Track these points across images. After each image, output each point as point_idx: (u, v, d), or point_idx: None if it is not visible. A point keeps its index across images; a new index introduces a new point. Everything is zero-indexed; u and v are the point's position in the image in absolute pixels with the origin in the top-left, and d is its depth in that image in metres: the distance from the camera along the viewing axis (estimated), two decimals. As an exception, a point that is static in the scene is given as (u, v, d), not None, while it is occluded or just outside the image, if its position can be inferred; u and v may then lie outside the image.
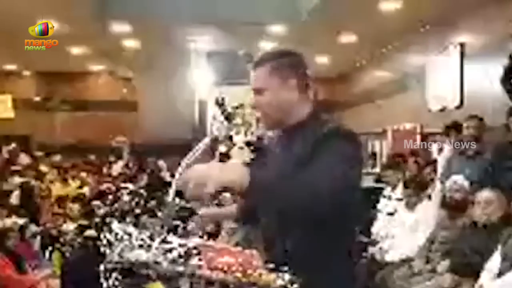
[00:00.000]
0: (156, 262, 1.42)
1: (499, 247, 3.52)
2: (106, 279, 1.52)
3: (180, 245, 1.47)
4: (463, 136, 4.90)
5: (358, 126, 12.16)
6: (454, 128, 5.29)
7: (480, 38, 7.59)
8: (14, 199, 8.07)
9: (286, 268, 1.34)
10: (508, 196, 3.84)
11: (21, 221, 5.83)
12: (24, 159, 11.90)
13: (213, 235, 5.19)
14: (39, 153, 13.66)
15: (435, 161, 6.24)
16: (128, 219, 5.88)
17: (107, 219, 5.65)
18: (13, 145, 11.19)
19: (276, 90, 1.71)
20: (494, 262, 3.52)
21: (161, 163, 10.68)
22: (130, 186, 9.05)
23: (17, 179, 9.03)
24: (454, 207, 4.41)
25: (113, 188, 9.96)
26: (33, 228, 5.83)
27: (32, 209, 7.62)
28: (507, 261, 3.43)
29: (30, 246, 5.71)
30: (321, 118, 1.73)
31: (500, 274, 3.43)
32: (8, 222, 5.83)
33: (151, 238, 1.50)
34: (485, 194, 3.89)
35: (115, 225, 1.54)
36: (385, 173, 5.93)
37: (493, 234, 3.72)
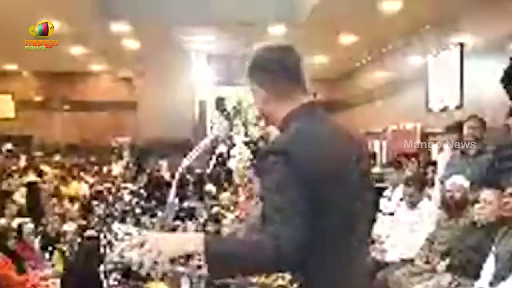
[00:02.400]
0: (156, 262, 1.42)
1: (493, 247, 3.54)
2: (106, 278, 1.53)
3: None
4: (464, 136, 4.89)
5: (358, 126, 12.18)
6: (455, 128, 5.27)
7: (480, 38, 7.59)
8: (20, 198, 8.08)
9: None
10: (507, 196, 3.84)
11: (26, 221, 5.83)
12: (22, 159, 11.91)
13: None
14: (39, 153, 13.67)
15: (435, 161, 6.23)
16: (128, 219, 5.88)
17: (107, 219, 5.65)
18: (9, 145, 11.19)
19: (252, 89, 1.72)
20: (490, 262, 3.54)
21: (161, 163, 10.68)
22: (130, 186, 9.05)
23: (24, 179, 9.03)
24: (454, 207, 4.42)
25: (113, 188, 9.97)
26: (31, 226, 5.81)
27: (37, 209, 7.63)
28: (500, 261, 3.45)
29: (30, 246, 5.71)
30: (289, 125, 1.65)
31: (495, 274, 3.44)
32: (15, 222, 5.83)
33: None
34: (484, 194, 3.90)
35: (115, 225, 1.54)
36: (385, 171, 5.94)
37: (491, 233, 3.73)
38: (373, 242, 5.19)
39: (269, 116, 1.75)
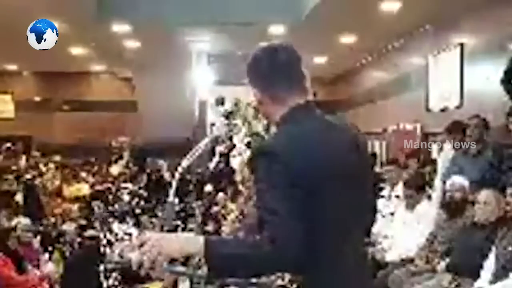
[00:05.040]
0: (155, 262, 1.42)
1: (493, 247, 3.54)
2: (106, 278, 1.53)
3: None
4: (466, 136, 4.88)
5: (358, 126, 12.16)
6: (455, 128, 5.27)
7: (480, 38, 7.59)
8: (20, 198, 8.08)
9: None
10: (508, 196, 3.84)
11: (25, 221, 5.83)
12: (22, 159, 11.91)
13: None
14: (39, 153, 13.65)
15: (435, 161, 6.23)
16: (128, 219, 5.89)
17: (107, 219, 5.66)
18: (8, 144, 11.18)
19: (251, 87, 1.71)
20: (490, 262, 3.54)
21: (161, 163, 10.67)
22: (130, 186, 9.06)
23: (21, 179, 9.03)
24: (454, 207, 4.42)
25: (113, 188, 9.97)
26: (27, 222, 5.80)
27: (35, 209, 7.63)
28: (500, 261, 3.45)
29: (30, 246, 5.70)
30: (282, 126, 1.66)
31: (495, 274, 3.44)
32: (13, 222, 5.83)
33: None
34: (484, 194, 3.90)
35: (115, 225, 1.55)
36: (385, 170, 5.95)
37: (491, 234, 3.74)
38: (373, 242, 5.19)
39: (266, 116, 1.75)
